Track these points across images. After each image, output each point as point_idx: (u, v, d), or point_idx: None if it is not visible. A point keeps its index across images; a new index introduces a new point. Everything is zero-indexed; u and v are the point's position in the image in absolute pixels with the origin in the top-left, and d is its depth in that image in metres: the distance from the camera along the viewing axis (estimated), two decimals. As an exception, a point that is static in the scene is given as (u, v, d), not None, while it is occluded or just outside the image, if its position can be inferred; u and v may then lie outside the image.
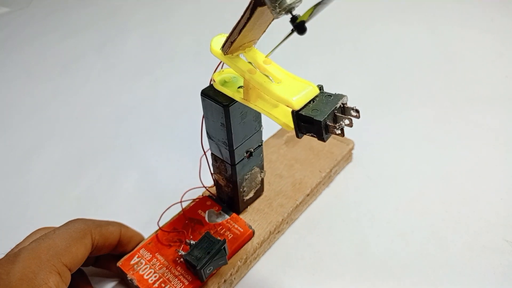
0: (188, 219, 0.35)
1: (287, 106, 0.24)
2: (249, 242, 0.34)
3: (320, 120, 0.23)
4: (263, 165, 0.36)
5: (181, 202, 0.36)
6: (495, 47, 0.64)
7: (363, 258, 0.36)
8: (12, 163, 0.50)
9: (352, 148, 0.44)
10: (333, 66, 0.62)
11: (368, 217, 0.40)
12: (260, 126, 0.32)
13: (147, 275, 0.31)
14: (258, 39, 0.27)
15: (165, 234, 0.34)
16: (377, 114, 0.52)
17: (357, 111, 0.24)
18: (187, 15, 0.80)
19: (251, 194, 0.36)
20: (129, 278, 0.31)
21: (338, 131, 0.23)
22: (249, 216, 0.36)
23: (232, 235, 0.34)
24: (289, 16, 0.21)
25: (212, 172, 0.35)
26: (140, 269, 0.32)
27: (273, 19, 0.24)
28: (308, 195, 0.39)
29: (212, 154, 0.34)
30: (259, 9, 0.22)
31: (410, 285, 0.34)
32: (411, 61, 0.62)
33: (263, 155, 0.35)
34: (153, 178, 0.46)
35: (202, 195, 0.38)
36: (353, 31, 0.72)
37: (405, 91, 0.56)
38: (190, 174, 0.40)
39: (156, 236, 0.34)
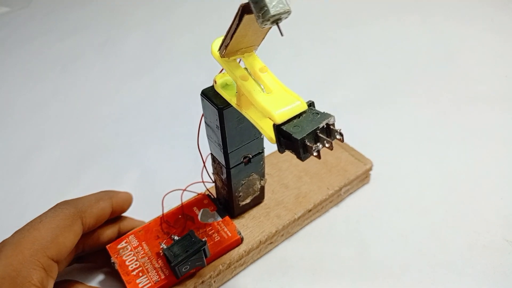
0: (182, 214, 0.35)
1: (269, 118, 0.23)
2: (236, 249, 0.34)
3: (298, 138, 0.22)
4: (263, 173, 0.35)
5: (183, 191, 0.36)
6: (495, 46, 0.63)
7: (363, 257, 0.36)
8: (11, 162, 0.50)
9: (370, 169, 0.41)
10: (332, 65, 0.62)
11: (368, 217, 0.39)
12: (261, 133, 0.32)
13: (129, 262, 0.32)
14: (258, 45, 0.26)
15: (157, 224, 0.35)
16: (375, 113, 0.52)
17: (341, 134, 0.23)
18: (187, 15, 0.80)
19: (247, 200, 0.36)
20: (112, 261, 0.32)
21: (315, 153, 0.22)
22: (243, 222, 0.36)
23: (219, 238, 0.33)
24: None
25: (212, 172, 0.35)
26: (124, 254, 0.32)
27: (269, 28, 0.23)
28: (310, 210, 0.37)
29: (211, 154, 0.33)
30: (246, 16, 0.21)
31: (410, 285, 0.34)
32: (411, 61, 0.62)
33: (263, 163, 0.34)
34: (153, 178, 0.46)
35: (204, 193, 0.38)
36: (353, 30, 0.71)
37: (404, 90, 0.56)
38: (190, 174, 0.40)
39: (148, 225, 0.35)
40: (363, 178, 0.41)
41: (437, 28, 0.69)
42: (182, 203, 0.36)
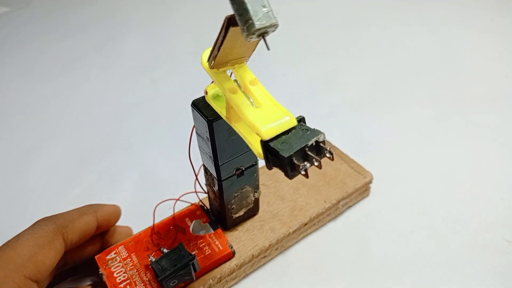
0: (173, 225, 0.35)
1: (257, 134, 0.22)
2: (227, 262, 0.33)
3: (285, 156, 0.21)
4: (257, 185, 0.34)
5: (176, 201, 0.36)
6: (495, 46, 0.64)
7: (363, 257, 0.36)
8: (12, 162, 0.50)
9: (370, 182, 0.40)
10: (333, 65, 0.63)
11: (368, 217, 0.39)
12: (254, 145, 0.31)
13: (117, 273, 0.31)
14: (249, 57, 0.25)
15: (147, 235, 0.34)
16: (375, 113, 0.53)
17: (330, 152, 0.22)
18: (187, 15, 0.79)
19: (241, 213, 0.35)
20: (100, 272, 0.32)
21: (303, 172, 0.21)
22: (236, 235, 0.35)
23: (209, 251, 0.32)
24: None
25: (205, 183, 0.35)
26: (113, 265, 0.32)
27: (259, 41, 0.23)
28: (305, 224, 0.36)
29: (203, 164, 0.33)
30: (232, 29, 0.20)
31: (410, 285, 0.34)
32: (411, 61, 0.62)
33: (257, 175, 0.33)
34: (153, 178, 0.46)
35: (197, 203, 0.37)
36: (354, 31, 0.71)
37: (404, 91, 0.56)
38: (190, 175, 0.40)
39: (139, 236, 0.34)
40: (363, 191, 0.40)
41: (437, 28, 0.69)
42: (173, 214, 0.35)
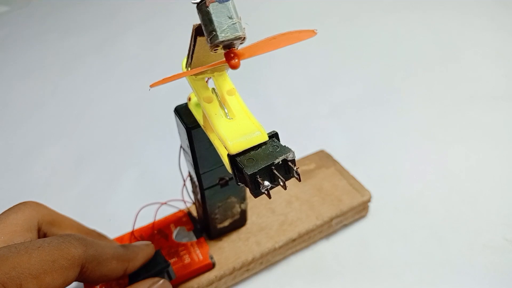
0: (157, 230, 0.34)
1: (225, 147, 0.21)
2: (206, 273, 0.32)
3: (248, 173, 0.20)
4: (244, 196, 0.33)
5: (160, 205, 0.35)
6: (496, 45, 0.63)
7: (363, 257, 0.36)
8: (11, 161, 0.50)
9: (368, 201, 0.38)
10: (333, 64, 0.62)
11: (368, 217, 0.39)
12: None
13: (94, 274, 0.31)
14: (229, 65, 0.24)
15: (131, 238, 0.34)
16: (375, 113, 0.52)
17: (298, 173, 0.20)
18: (187, 13, 0.79)
19: (225, 223, 0.34)
20: (78, 271, 0.32)
21: (264, 191, 0.20)
22: (220, 245, 0.34)
23: (189, 260, 0.32)
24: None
25: (192, 190, 0.34)
26: (92, 265, 0.32)
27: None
28: (294, 240, 0.35)
29: (189, 171, 0.32)
30: (199, 38, 0.19)
31: (410, 285, 0.34)
32: (411, 61, 0.62)
33: (244, 186, 0.32)
34: (153, 177, 0.45)
35: (185, 209, 0.37)
36: (354, 30, 0.71)
37: (404, 90, 0.56)
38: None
39: (122, 237, 0.34)
40: (360, 210, 0.38)
41: (438, 27, 0.69)
42: (154, 220, 0.35)
